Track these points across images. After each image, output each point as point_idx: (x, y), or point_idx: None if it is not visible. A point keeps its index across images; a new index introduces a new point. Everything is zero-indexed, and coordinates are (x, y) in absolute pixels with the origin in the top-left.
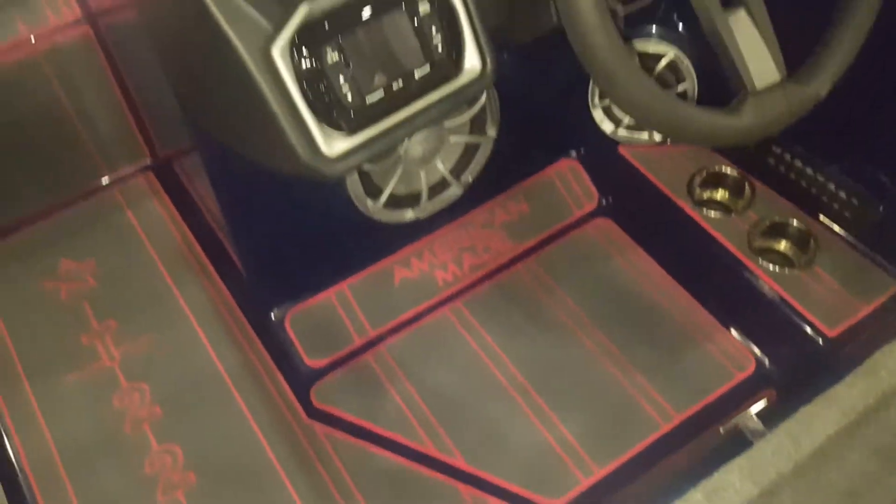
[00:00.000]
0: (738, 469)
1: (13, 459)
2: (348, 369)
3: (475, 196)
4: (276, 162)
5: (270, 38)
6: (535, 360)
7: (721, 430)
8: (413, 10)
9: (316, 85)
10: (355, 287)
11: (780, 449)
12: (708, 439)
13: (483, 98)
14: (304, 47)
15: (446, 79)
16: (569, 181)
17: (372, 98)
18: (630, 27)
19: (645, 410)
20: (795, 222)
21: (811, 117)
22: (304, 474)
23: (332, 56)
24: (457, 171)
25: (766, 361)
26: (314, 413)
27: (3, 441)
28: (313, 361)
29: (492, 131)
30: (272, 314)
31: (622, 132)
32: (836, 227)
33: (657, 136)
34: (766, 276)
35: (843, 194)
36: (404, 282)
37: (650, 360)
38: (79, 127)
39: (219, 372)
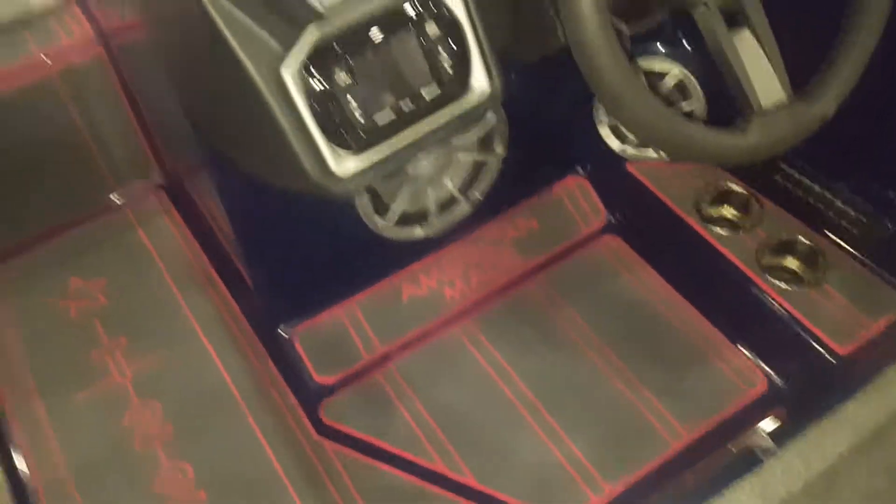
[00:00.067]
0: (749, 488)
1: (24, 476)
2: (357, 386)
3: (483, 213)
4: (287, 181)
5: (281, 60)
6: (545, 378)
7: (731, 448)
8: (421, 31)
9: (326, 105)
10: (364, 303)
11: (790, 468)
12: (718, 458)
13: (491, 116)
14: (314, 68)
15: (454, 98)
16: (576, 198)
17: (381, 117)
18: (636, 45)
19: (655, 428)
20: (804, 239)
21: (818, 134)
22: (314, 491)
23: (342, 76)
24: (465, 188)
25: (777, 379)
26: (323, 430)
27: (15, 458)
28: (322, 378)
29: (499, 149)
30: (281, 331)
31: (629, 149)
32: (845, 244)
33: (664, 153)
34: (775, 293)
35: (851, 211)
36: (413, 298)
37: (660, 377)
38: (91, 146)
39: (229, 389)
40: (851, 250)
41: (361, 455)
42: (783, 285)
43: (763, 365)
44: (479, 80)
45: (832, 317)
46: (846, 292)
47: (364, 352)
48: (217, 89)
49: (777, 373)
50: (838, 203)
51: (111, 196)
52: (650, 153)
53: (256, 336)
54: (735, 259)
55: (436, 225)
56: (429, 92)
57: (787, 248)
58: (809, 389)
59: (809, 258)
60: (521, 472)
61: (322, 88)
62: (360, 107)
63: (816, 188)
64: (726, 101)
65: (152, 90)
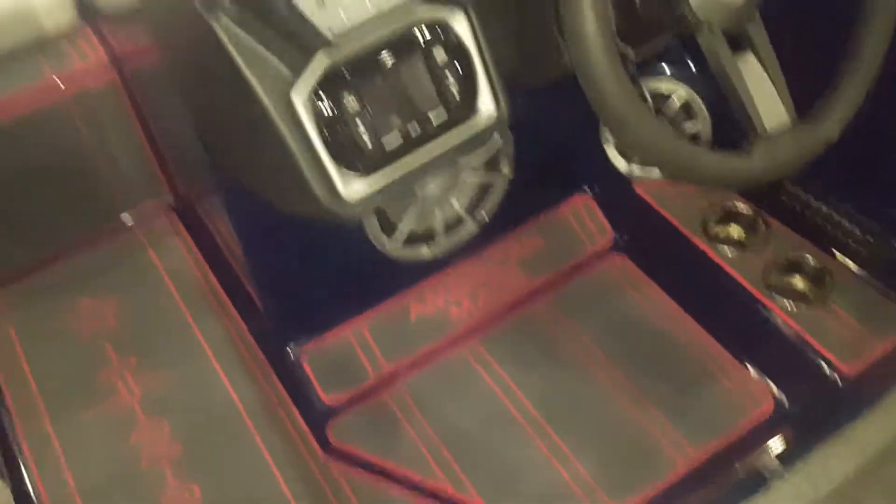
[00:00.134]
0: None
1: (32, 493)
2: (365, 406)
3: (490, 232)
4: (296, 205)
5: (291, 85)
6: (552, 397)
7: (738, 469)
8: (429, 56)
9: (334, 129)
10: (371, 323)
11: (797, 490)
12: (725, 479)
13: (497, 137)
14: (323, 94)
15: (461, 122)
16: (583, 217)
17: (389, 140)
18: (642, 65)
19: (661, 448)
20: (811, 259)
21: (824, 154)
22: None
23: (351, 101)
24: (472, 207)
25: (784, 399)
26: (331, 450)
27: (23, 476)
28: (330, 398)
29: (506, 169)
30: (290, 350)
31: (636, 169)
32: (852, 264)
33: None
34: (782, 312)
35: (858, 230)
36: (420, 318)
37: (667, 397)
38: (103, 168)
39: (237, 409)
40: (859, 270)
41: (368, 475)
42: (790, 305)
43: (770, 385)
44: (486, 104)
45: (839, 336)
46: (853, 312)
47: (371, 371)
48: (228, 113)
49: (784, 393)
50: (845, 222)
51: (122, 217)
52: (656, 173)
53: (264, 356)
54: (742, 278)
55: (443, 245)
56: (436, 115)
57: (794, 267)
58: (816, 410)
59: (816, 277)
60: (528, 493)
61: (331, 113)
62: (368, 130)
63: (823, 207)
64: (732, 121)
65: (164, 113)
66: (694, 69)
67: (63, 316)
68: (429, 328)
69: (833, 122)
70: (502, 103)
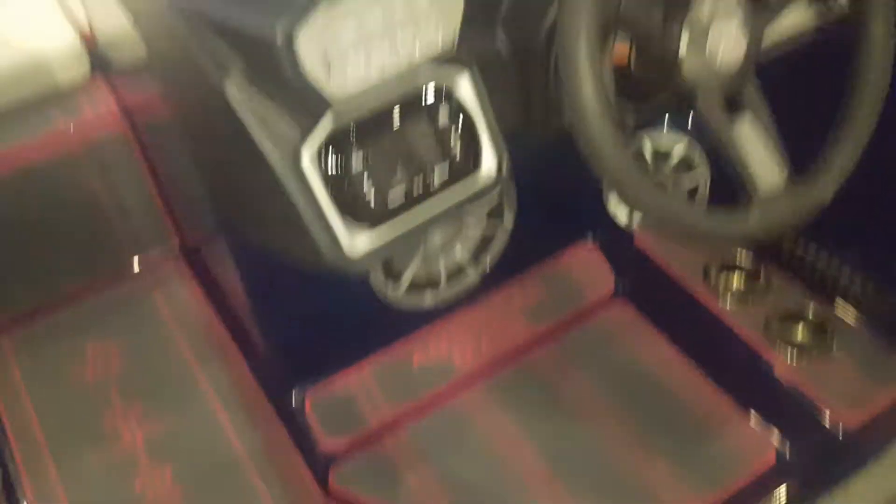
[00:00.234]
0: None
1: None
2: (367, 452)
3: (493, 279)
4: (301, 258)
5: (298, 144)
6: (554, 446)
7: None
8: (433, 116)
9: (339, 186)
10: (374, 369)
11: None
12: None
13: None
14: (330, 153)
15: (464, 178)
16: (585, 265)
17: (393, 196)
18: (643, 122)
19: (664, 499)
20: (812, 309)
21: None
22: None
23: (357, 158)
24: (475, 255)
25: (786, 449)
26: (332, 496)
27: None
28: (332, 443)
29: (509, 218)
30: (293, 395)
31: (636, 219)
32: (854, 313)
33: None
34: (784, 363)
35: (858, 280)
36: (423, 364)
37: (669, 447)
38: (112, 214)
39: (239, 454)
40: (860, 320)
41: None
42: (792, 355)
43: (772, 435)
44: (489, 161)
45: (841, 387)
46: (855, 362)
47: (374, 418)
48: (235, 168)
49: (786, 443)
50: (846, 272)
51: (130, 263)
52: None
53: (268, 401)
54: (744, 328)
55: (445, 293)
56: (439, 172)
57: (796, 317)
58: (818, 461)
59: (818, 328)
60: None
61: (336, 170)
62: (372, 186)
63: (824, 257)
64: (731, 172)
65: (173, 163)
66: (693, 119)
67: (69, 360)
68: (431, 375)
69: (827, 183)
70: (504, 161)
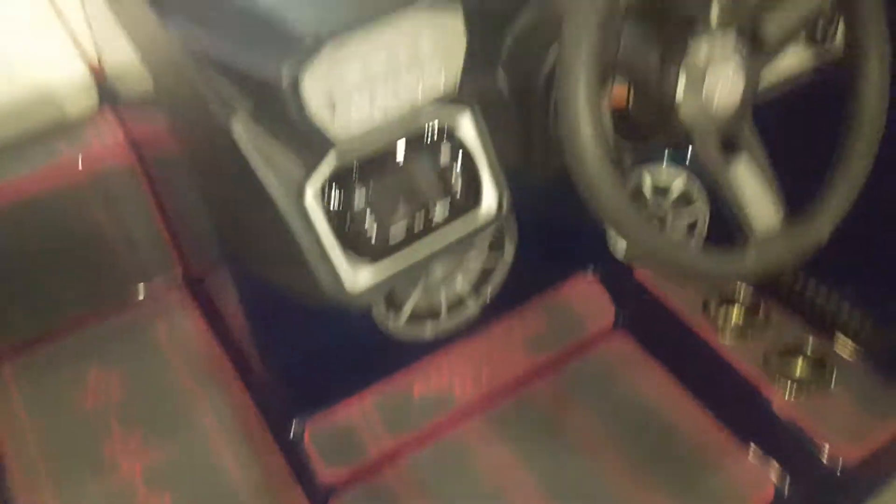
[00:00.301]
0: None
1: None
2: (366, 484)
3: (494, 311)
4: (303, 292)
5: (302, 183)
6: (554, 478)
7: None
8: (435, 154)
9: (342, 222)
10: (375, 399)
11: None
12: None
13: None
14: (333, 190)
15: (464, 215)
16: (586, 297)
17: (395, 232)
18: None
19: None
20: (811, 344)
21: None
22: None
23: (359, 196)
24: (476, 286)
25: (785, 486)
26: None
27: None
28: (332, 474)
29: (510, 250)
30: (294, 426)
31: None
32: (853, 348)
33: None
34: (783, 398)
35: (857, 316)
36: (423, 395)
37: (668, 480)
38: (117, 243)
39: (238, 484)
40: (859, 354)
41: None
42: (791, 390)
43: (771, 469)
44: (489, 199)
45: (840, 422)
46: (854, 397)
47: (374, 448)
48: (239, 203)
49: (784, 479)
50: (845, 308)
51: (134, 291)
52: None
53: (269, 431)
54: (743, 363)
55: (446, 324)
56: (441, 209)
57: (795, 352)
58: (816, 497)
59: (817, 363)
60: None
61: (339, 206)
62: (375, 222)
63: (823, 293)
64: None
65: (179, 195)
66: (692, 156)
67: (70, 387)
68: (432, 405)
69: (823, 224)
70: (505, 198)
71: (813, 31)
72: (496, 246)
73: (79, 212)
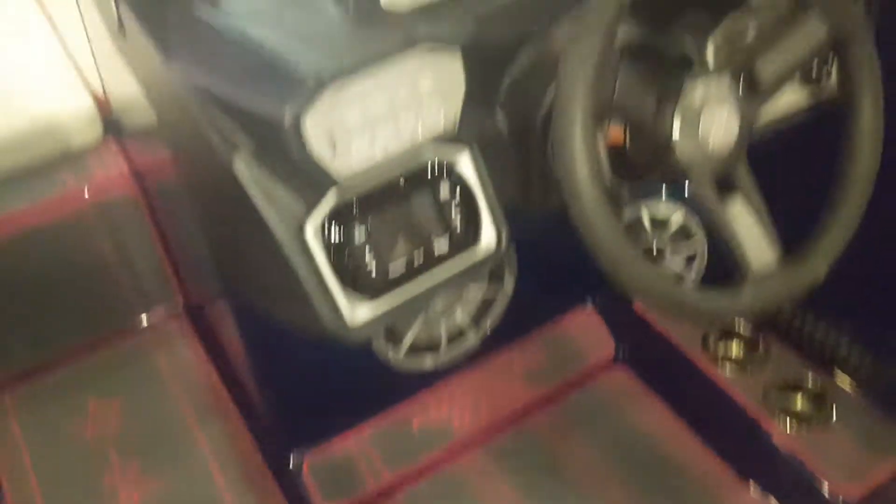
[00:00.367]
0: None
1: None
2: None
3: (493, 343)
4: (303, 326)
5: (303, 219)
6: None
7: None
8: (435, 191)
9: (342, 257)
10: (374, 432)
11: None
12: None
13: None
14: (333, 226)
15: (463, 251)
16: (585, 330)
17: (394, 268)
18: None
19: None
20: (811, 378)
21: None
22: None
23: (359, 231)
24: (476, 318)
25: None
26: None
27: None
28: None
29: (509, 282)
30: (292, 458)
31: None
32: (852, 384)
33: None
34: (783, 433)
35: (857, 351)
36: (422, 427)
37: None
38: (119, 273)
39: None
40: (859, 390)
41: None
42: (790, 425)
43: None
44: (488, 235)
45: (840, 459)
46: (854, 433)
47: (372, 482)
48: (240, 237)
49: None
50: (845, 342)
51: (135, 320)
52: None
53: (266, 463)
54: (742, 397)
55: (445, 356)
56: (440, 245)
57: (795, 387)
58: None
59: (817, 398)
60: None
61: (339, 243)
62: (374, 258)
63: (822, 328)
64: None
65: (180, 226)
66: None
67: (70, 416)
68: (431, 438)
69: (819, 262)
70: (504, 234)
71: (808, 71)
72: (496, 278)
73: (82, 241)
